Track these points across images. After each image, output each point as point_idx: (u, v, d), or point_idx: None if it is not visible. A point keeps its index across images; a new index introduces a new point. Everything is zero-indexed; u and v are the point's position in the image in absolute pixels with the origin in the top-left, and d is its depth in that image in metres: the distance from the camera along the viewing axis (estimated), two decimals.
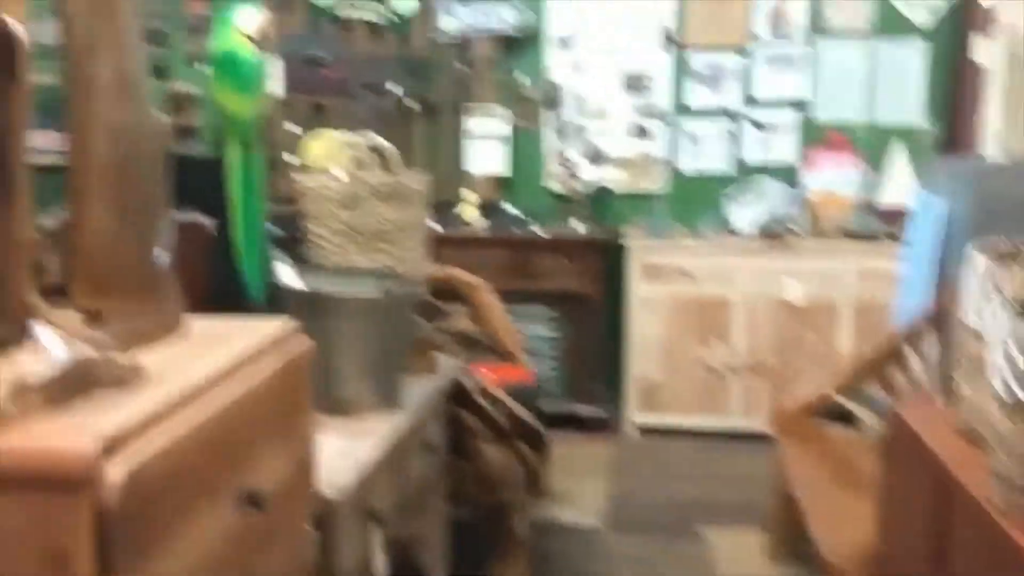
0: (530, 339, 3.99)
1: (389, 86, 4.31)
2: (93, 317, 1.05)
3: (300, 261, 2.02)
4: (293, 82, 4.33)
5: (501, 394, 2.33)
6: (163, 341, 1.13)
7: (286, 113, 4.36)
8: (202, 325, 1.26)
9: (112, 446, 0.78)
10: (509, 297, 3.89)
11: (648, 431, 4.12)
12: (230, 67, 1.50)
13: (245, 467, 1.04)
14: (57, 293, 1.49)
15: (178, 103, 4.53)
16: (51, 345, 0.85)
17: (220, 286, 1.61)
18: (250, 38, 1.51)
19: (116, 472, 0.76)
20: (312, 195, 1.92)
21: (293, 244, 2.13)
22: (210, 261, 1.64)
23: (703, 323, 4.06)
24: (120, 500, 0.76)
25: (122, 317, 1.07)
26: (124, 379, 0.92)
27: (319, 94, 4.38)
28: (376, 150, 1.95)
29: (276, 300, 1.62)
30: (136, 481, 0.78)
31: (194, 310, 1.57)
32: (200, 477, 0.92)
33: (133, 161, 1.08)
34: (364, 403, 1.72)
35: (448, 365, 2.17)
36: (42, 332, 0.86)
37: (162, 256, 1.15)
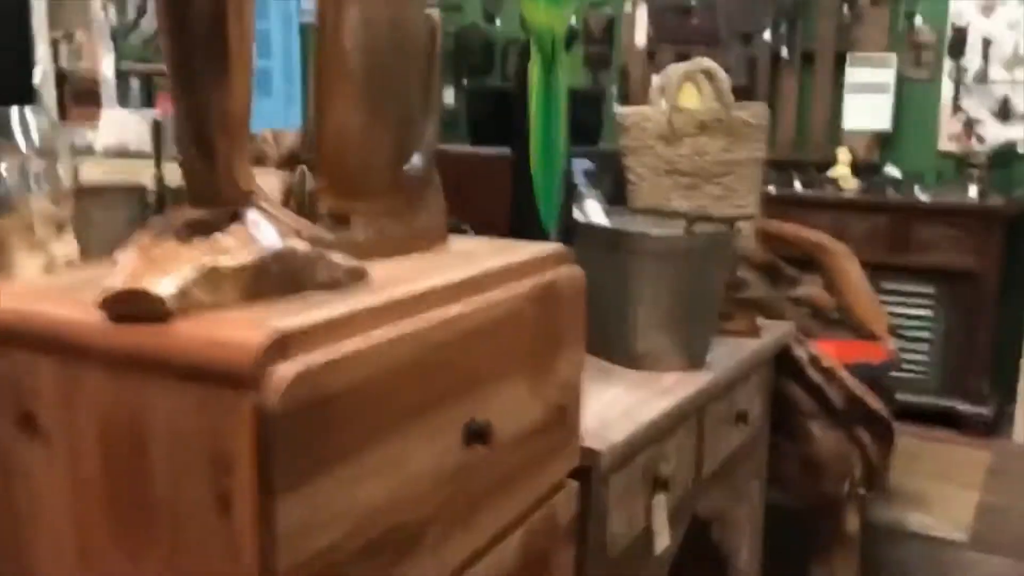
0: (902, 320, 3.54)
1: (761, 34, 4.03)
2: (338, 220, 1.01)
3: (617, 201, 1.90)
4: (659, 31, 4.21)
5: (840, 370, 2.04)
6: (415, 254, 1.06)
7: (650, 64, 4.25)
8: (467, 244, 1.18)
9: (287, 343, 0.71)
10: (881, 272, 3.46)
11: None
12: None
13: (475, 398, 0.94)
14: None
15: None
16: (259, 234, 0.80)
17: (516, 218, 1.54)
18: None
19: (285, 371, 0.69)
20: (631, 127, 1.78)
21: (614, 183, 2.01)
22: (508, 192, 1.57)
23: None
24: (285, 401, 0.68)
25: (368, 222, 1.02)
26: (339, 281, 0.86)
27: (685, 43, 4.20)
28: (708, 75, 1.76)
29: (571, 235, 1.51)
30: (309, 384, 0.70)
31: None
32: (409, 397, 0.84)
33: (392, 58, 1.02)
34: (661, 357, 1.57)
35: (776, 330, 1.93)
36: (253, 220, 0.81)
37: (423, 164, 1.08)
